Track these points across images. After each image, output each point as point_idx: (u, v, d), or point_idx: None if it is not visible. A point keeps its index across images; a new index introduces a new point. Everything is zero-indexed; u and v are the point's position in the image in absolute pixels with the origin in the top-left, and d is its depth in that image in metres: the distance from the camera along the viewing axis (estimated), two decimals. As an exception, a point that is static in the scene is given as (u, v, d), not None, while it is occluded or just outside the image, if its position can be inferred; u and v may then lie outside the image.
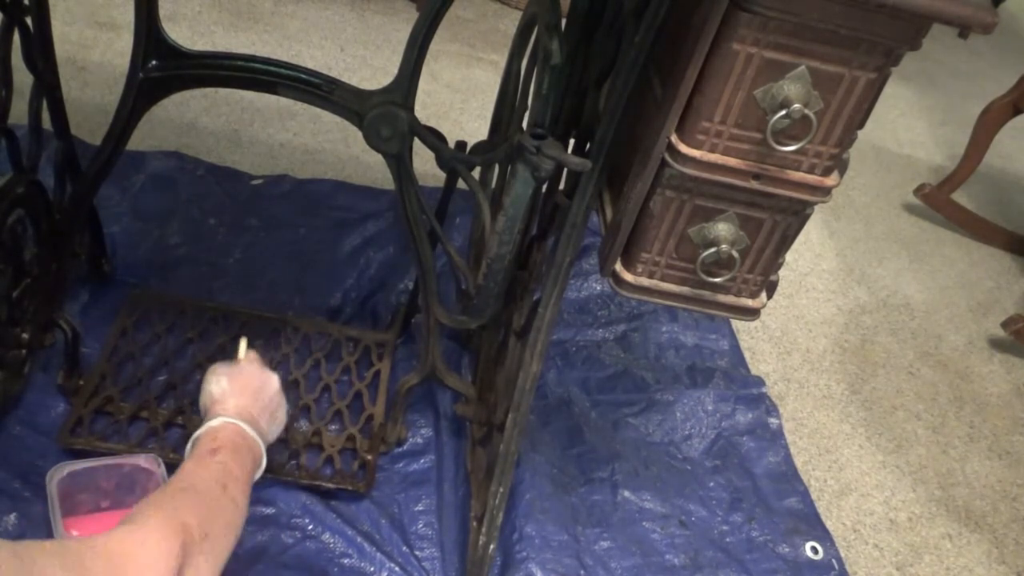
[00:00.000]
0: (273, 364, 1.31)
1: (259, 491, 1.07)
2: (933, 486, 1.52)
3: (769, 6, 0.67)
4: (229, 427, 0.92)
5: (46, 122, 1.13)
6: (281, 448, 1.20)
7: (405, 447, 1.28)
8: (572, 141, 1.02)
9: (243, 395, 0.97)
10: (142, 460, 1.08)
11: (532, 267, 1.11)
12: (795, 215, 0.80)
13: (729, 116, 0.73)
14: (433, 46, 0.92)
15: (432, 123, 1.01)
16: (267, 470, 0.97)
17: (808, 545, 1.33)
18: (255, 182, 1.67)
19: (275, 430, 1.02)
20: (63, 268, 1.19)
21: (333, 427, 1.26)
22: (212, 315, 1.36)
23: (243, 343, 1.08)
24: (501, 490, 1.06)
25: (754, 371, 1.61)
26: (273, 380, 1.03)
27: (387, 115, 0.95)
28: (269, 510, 1.14)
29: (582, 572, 1.20)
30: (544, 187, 1.00)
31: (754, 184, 0.77)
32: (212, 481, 0.85)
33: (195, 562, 0.73)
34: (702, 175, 0.76)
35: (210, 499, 0.81)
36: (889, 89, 0.78)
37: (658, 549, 1.27)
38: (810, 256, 1.99)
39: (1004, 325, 1.84)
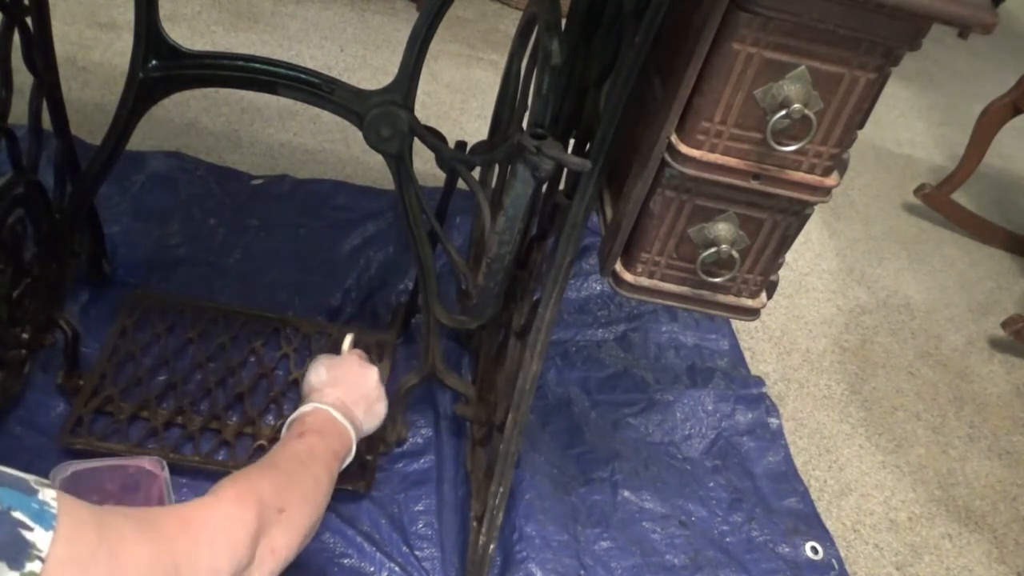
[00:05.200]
0: (273, 363, 1.32)
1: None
2: (933, 486, 1.52)
3: (769, 6, 0.67)
4: (319, 413, 0.95)
5: (46, 122, 1.13)
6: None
7: (405, 447, 1.28)
8: (572, 141, 1.02)
9: (339, 384, 1.01)
10: (146, 463, 1.08)
11: (532, 267, 1.11)
12: (795, 215, 0.80)
13: (729, 116, 0.73)
14: (433, 46, 0.92)
15: (432, 123, 1.01)
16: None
17: (808, 545, 1.33)
18: (255, 182, 1.67)
19: (372, 422, 1.04)
20: (63, 268, 1.19)
21: (333, 427, 1.26)
22: (212, 315, 1.36)
23: (348, 338, 1.11)
24: (501, 490, 1.06)
25: (754, 371, 1.61)
26: (372, 373, 1.06)
27: (387, 115, 0.95)
28: (269, 510, 1.14)
29: (582, 572, 1.20)
30: (544, 187, 1.00)
31: (754, 184, 0.77)
32: (293, 459, 0.87)
33: (270, 532, 0.73)
34: (702, 175, 0.76)
35: (289, 475, 0.83)
36: (889, 89, 0.78)
37: (658, 549, 1.27)
38: (810, 256, 1.99)
39: (1004, 325, 1.84)
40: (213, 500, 0.71)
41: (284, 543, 0.75)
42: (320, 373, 1.02)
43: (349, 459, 0.97)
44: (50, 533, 0.50)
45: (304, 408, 0.96)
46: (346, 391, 1.01)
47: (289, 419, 0.96)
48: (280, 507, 0.76)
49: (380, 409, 1.06)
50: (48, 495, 0.52)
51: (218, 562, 0.65)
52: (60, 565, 0.50)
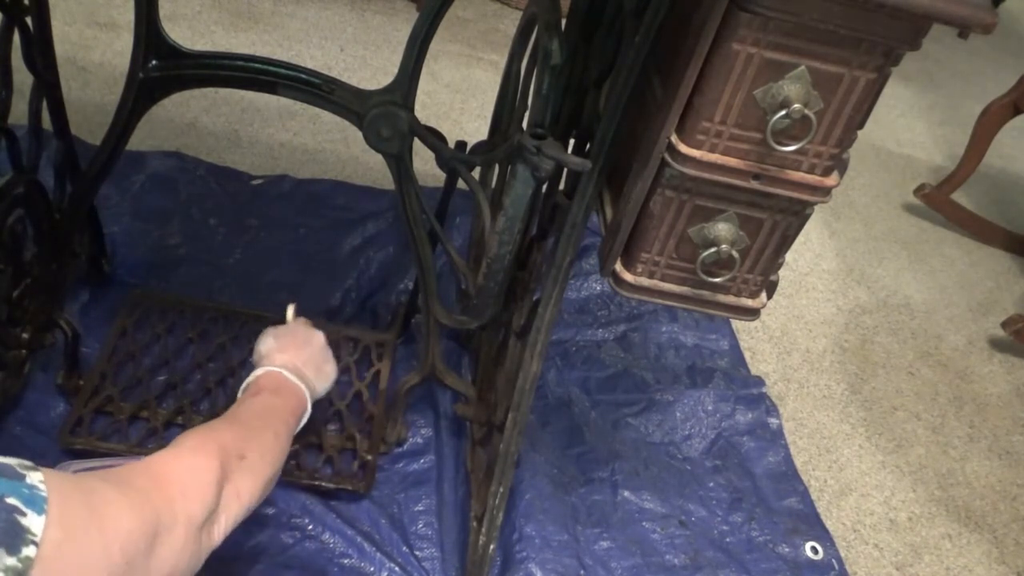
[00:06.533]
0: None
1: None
2: (933, 486, 1.52)
3: (769, 6, 0.67)
4: (272, 375, 0.99)
5: (46, 122, 1.13)
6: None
7: (405, 447, 1.28)
8: (572, 141, 1.02)
9: (288, 349, 1.04)
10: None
11: (532, 267, 1.11)
12: (795, 215, 0.80)
13: (729, 116, 0.73)
14: (433, 46, 0.92)
15: (432, 123, 1.01)
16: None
17: (808, 545, 1.33)
18: (255, 182, 1.67)
19: (323, 383, 1.07)
20: (63, 268, 1.19)
21: (333, 427, 1.26)
22: (212, 315, 1.36)
23: (291, 308, 1.15)
24: (501, 490, 1.06)
25: (754, 371, 1.61)
26: (319, 336, 1.09)
27: (387, 115, 0.95)
28: (269, 510, 1.14)
29: (582, 572, 1.20)
30: (544, 187, 1.00)
31: (754, 184, 0.77)
32: (251, 413, 0.91)
33: (233, 478, 0.77)
34: (702, 175, 0.76)
35: (248, 426, 0.87)
36: (889, 89, 0.78)
37: (658, 549, 1.27)
38: (810, 256, 1.99)
39: (1004, 325, 1.84)
40: (177, 451, 0.75)
41: (248, 488, 0.79)
42: (268, 342, 1.05)
43: (305, 418, 1.00)
44: (43, 517, 0.51)
45: (257, 372, 1.00)
46: (295, 354, 1.04)
47: (244, 384, 0.99)
48: (241, 454, 0.79)
49: (329, 370, 1.09)
50: (35, 478, 0.53)
51: (192, 509, 0.69)
52: (55, 546, 0.51)
